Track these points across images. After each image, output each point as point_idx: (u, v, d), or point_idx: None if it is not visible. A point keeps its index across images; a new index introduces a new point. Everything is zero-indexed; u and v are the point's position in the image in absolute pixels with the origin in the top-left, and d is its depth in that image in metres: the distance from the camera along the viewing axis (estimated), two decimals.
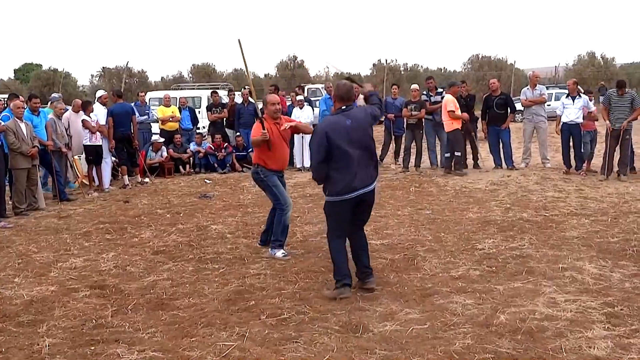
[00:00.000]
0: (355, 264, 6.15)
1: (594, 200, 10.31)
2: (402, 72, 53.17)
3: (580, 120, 13.27)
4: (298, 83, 39.39)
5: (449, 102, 13.58)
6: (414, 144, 14.73)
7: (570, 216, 9.15)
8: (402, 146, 15.14)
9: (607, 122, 12.38)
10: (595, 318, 5.15)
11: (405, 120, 15.12)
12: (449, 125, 13.54)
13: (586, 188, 11.53)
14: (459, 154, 13.64)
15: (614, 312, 5.26)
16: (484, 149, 15.88)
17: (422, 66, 57.37)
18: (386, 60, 48.54)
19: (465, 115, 13.80)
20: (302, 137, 15.13)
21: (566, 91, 14.62)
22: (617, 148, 12.37)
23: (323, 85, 24.58)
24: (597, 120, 13.63)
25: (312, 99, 20.93)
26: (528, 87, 14.63)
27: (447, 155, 13.86)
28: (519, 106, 16.39)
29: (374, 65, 55.74)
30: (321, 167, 5.80)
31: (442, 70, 58.94)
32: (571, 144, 13.38)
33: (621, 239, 7.74)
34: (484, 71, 49.66)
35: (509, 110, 14.37)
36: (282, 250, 7.38)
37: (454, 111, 13.44)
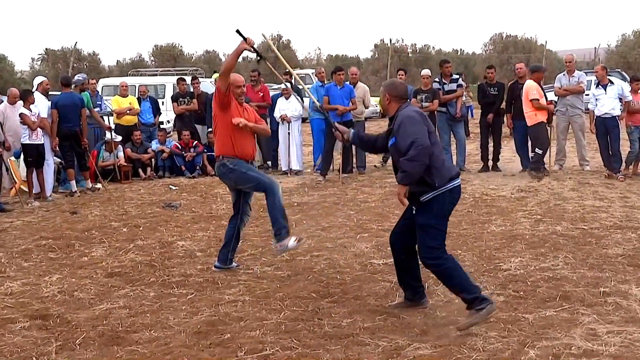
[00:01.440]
0: (408, 285, 6.38)
1: None
2: (410, 55, 53.41)
3: (617, 112, 13.35)
4: (283, 67, 39.50)
5: (532, 88, 13.41)
6: None
7: (613, 229, 9.20)
8: None
9: None
10: None
11: None
12: (532, 117, 13.43)
13: (632, 195, 11.59)
14: (540, 151, 13.58)
15: None
16: (508, 148, 15.96)
17: (433, 48, 57.87)
18: (390, 41, 48.61)
19: (552, 107, 13.70)
20: (289, 133, 15.17)
21: (614, 77, 14.67)
22: None
23: (314, 71, 24.62)
24: None
25: (300, 87, 20.95)
26: (564, 73, 14.69)
27: (533, 154, 13.80)
28: (551, 96, 16.45)
29: (375, 46, 56.03)
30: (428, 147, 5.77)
31: (459, 53, 59.40)
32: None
33: None
34: (509, 53, 49.97)
35: None
36: (292, 238, 7.42)
37: (538, 99, 13.34)
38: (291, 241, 7.39)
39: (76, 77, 15.26)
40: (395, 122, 5.98)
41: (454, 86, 14.89)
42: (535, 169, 13.45)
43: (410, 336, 5.65)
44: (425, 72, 15.46)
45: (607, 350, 5.24)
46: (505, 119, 15.05)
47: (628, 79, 17.55)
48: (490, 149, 14.83)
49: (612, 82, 13.69)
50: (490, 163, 14.86)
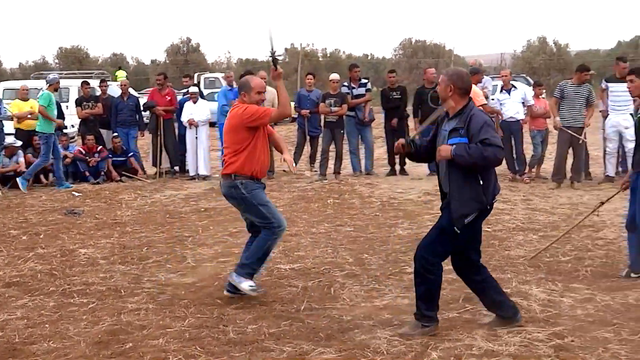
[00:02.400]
0: (496, 303, 6.00)
1: (544, 212, 10.70)
2: (321, 59, 53.68)
3: (521, 116, 13.78)
4: (192, 71, 39.26)
5: (477, 94, 13.57)
6: (332, 146, 14.87)
7: (516, 231, 9.46)
8: (319, 149, 15.26)
9: (556, 118, 12.83)
10: (542, 352, 5.33)
11: (322, 117, 15.25)
12: None
13: (535, 198, 11.95)
14: None
15: (563, 345, 5.46)
16: None
17: (344, 52, 58.24)
18: (301, 45, 48.81)
19: (499, 110, 13.83)
20: (197, 138, 15.05)
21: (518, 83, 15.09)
22: (570, 150, 12.88)
23: (223, 75, 24.48)
24: (549, 117, 14.15)
25: (209, 90, 20.83)
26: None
27: None
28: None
29: (285, 50, 55.99)
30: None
31: (369, 57, 59.99)
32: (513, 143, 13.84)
33: (573, 258, 8.07)
34: (418, 58, 50.81)
35: None
36: (250, 282, 6.78)
37: (486, 104, 13.54)
38: (246, 284, 6.73)
39: (50, 76, 15.49)
40: (467, 122, 5.53)
41: (362, 90, 15.05)
42: None
43: (315, 341, 5.68)
44: (334, 76, 15.52)
45: (507, 350, 5.38)
46: (413, 123, 15.27)
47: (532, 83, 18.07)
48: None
49: (515, 87, 14.10)
50: (397, 167, 15.07)
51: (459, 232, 5.63)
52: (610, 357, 5.21)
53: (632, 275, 7.22)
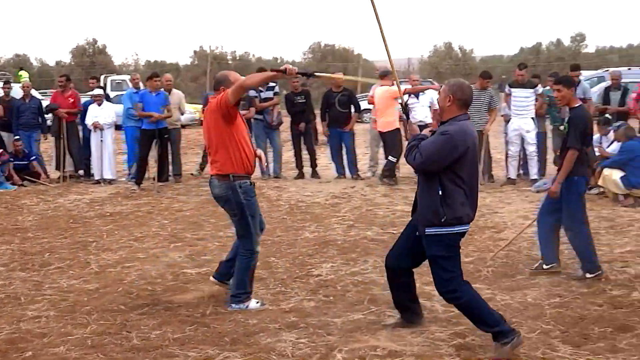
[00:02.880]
0: (406, 307, 6.07)
1: None
2: (230, 62, 53.46)
3: (430, 120, 14.04)
4: (99, 72, 38.53)
5: (395, 92, 13.72)
6: None
7: None
8: None
9: None
10: (444, 351, 5.46)
11: None
12: (391, 124, 13.74)
13: None
14: (393, 159, 13.81)
15: (464, 344, 5.60)
16: (325, 155, 16.32)
17: (254, 55, 58.20)
18: (210, 48, 48.61)
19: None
20: (102, 141, 14.77)
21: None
22: None
23: (130, 77, 24.12)
24: None
25: (115, 93, 20.48)
26: (380, 83, 15.16)
27: (386, 162, 14.04)
28: (365, 104, 17.04)
29: (195, 52, 55.71)
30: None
31: (279, 60, 59.96)
32: None
33: (476, 258, 8.26)
34: (328, 62, 51.13)
35: (353, 110, 14.86)
36: (252, 302, 6.65)
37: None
38: (252, 303, 6.62)
39: None
40: (442, 127, 5.53)
41: (270, 94, 15.04)
42: (388, 176, 13.82)
43: (220, 345, 5.66)
44: None
45: (411, 350, 5.48)
46: (321, 127, 15.36)
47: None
48: (306, 156, 15.10)
49: (423, 92, 14.36)
50: (305, 170, 15.09)
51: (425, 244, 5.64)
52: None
53: (544, 267, 7.52)
